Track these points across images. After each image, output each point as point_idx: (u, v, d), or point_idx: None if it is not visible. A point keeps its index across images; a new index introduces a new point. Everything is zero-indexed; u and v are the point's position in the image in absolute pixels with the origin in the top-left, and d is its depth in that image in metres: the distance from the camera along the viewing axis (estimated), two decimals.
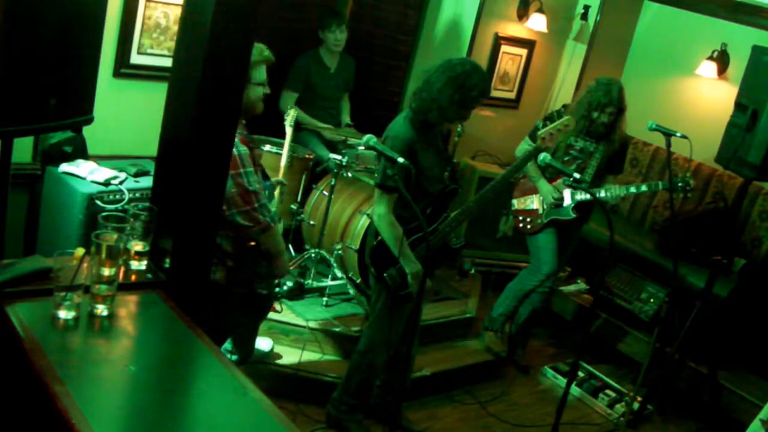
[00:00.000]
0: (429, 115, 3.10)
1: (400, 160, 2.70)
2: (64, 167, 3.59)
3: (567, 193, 4.11)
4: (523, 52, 5.67)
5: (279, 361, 3.76)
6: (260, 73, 2.79)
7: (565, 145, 4.05)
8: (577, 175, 3.00)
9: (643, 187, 4.03)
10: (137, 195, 3.59)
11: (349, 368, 3.49)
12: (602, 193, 3.99)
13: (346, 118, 5.10)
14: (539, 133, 3.57)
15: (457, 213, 3.27)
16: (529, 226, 4.23)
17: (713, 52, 5.16)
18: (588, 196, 3.99)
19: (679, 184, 3.87)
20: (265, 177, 3.12)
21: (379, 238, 3.18)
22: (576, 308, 4.94)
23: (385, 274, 3.20)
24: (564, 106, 4.30)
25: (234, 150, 2.53)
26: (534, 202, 4.22)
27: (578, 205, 4.09)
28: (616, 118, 3.98)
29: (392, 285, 3.20)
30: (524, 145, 4.13)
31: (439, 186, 3.23)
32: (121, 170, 3.67)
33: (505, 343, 4.48)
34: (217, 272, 2.80)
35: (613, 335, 4.81)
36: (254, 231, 2.76)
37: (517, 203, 4.31)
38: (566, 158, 4.08)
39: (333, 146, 4.74)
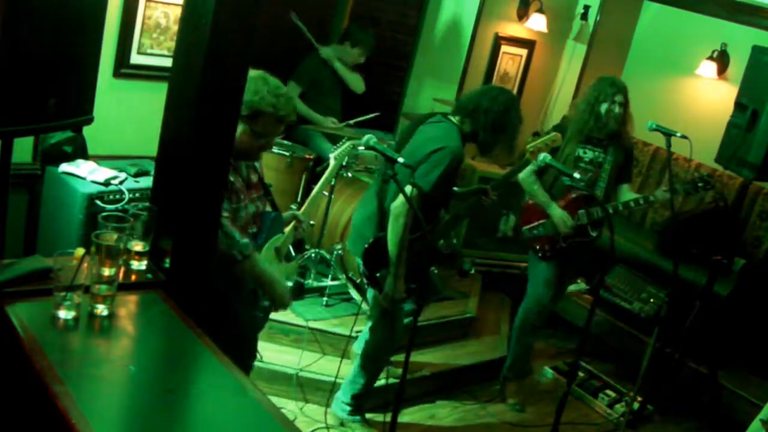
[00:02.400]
0: (493, 148, 3.23)
1: (401, 160, 2.70)
2: (64, 167, 3.59)
3: (581, 213, 3.85)
4: (523, 52, 5.67)
5: (279, 361, 3.76)
6: (265, 126, 2.49)
7: (574, 157, 3.80)
8: (577, 175, 2.99)
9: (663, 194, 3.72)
10: (137, 195, 3.59)
11: (354, 371, 3.49)
12: (620, 208, 3.79)
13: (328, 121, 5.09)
14: (528, 146, 3.51)
15: (449, 218, 3.33)
16: (549, 253, 3.92)
17: (713, 52, 5.16)
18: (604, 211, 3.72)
19: (699, 185, 3.68)
20: (274, 207, 2.80)
21: (372, 240, 3.18)
22: (578, 311, 4.94)
23: (377, 274, 3.21)
24: (564, 117, 4.20)
25: None
26: (545, 227, 3.91)
27: (594, 222, 3.84)
28: (626, 109, 3.76)
29: (383, 287, 3.20)
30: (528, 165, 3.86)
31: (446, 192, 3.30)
32: (121, 170, 3.68)
33: (522, 394, 4.21)
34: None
35: (613, 335, 4.81)
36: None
37: (527, 232, 4.00)
38: (576, 171, 3.77)
39: (334, 140, 4.76)
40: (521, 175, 3.84)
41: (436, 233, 3.30)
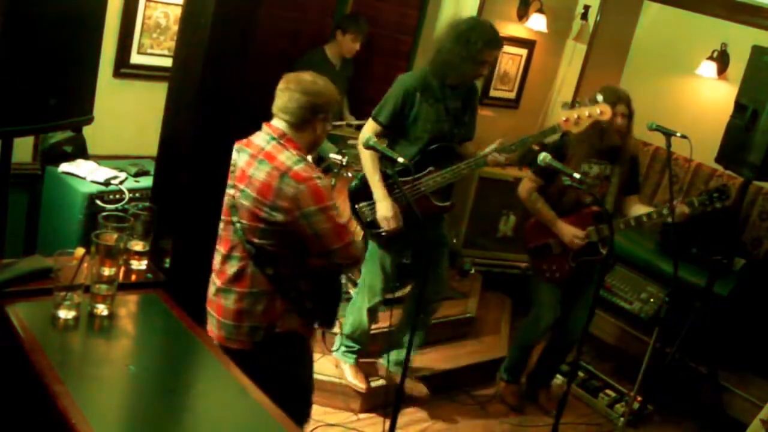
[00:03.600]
0: (446, 77, 3.24)
1: (400, 159, 2.70)
2: (64, 167, 3.59)
3: (590, 230, 3.67)
4: (523, 52, 5.67)
5: None
6: (331, 108, 2.54)
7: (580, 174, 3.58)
8: (577, 175, 2.95)
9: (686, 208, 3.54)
10: (137, 195, 3.59)
11: (346, 310, 3.62)
12: (632, 223, 3.62)
13: (350, 118, 5.10)
14: (563, 113, 3.28)
15: (445, 171, 3.32)
16: (557, 274, 3.76)
17: (713, 52, 5.15)
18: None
19: (715, 195, 3.54)
20: None
21: (360, 175, 3.36)
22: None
23: (356, 206, 3.35)
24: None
25: (318, 182, 2.35)
26: (552, 246, 3.73)
27: (604, 239, 3.64)
28: (630, 121, 3.56)
29: (363, 219, 3.38)
30: (528, 182, 3.70)
31: (434, 139, 3.30)
32: (121, 170, 3.68)
33: (519, 396, 4.13)
34: (290, 320, 2.51)
35: (613, 335, 4.81)
36: (349, 267, 2.55)
37: (533, 253, 3.81)
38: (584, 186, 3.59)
39: (334, 139, 4.75)
40: (522, 194, 3.70)
41: (432, 186, 3.32)
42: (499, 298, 5.12)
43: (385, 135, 3.30)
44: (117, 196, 3.54)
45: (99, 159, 3.75)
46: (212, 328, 2.50)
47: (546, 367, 4.19)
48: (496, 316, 4.89)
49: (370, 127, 3.28)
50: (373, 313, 3.58)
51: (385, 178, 3.18)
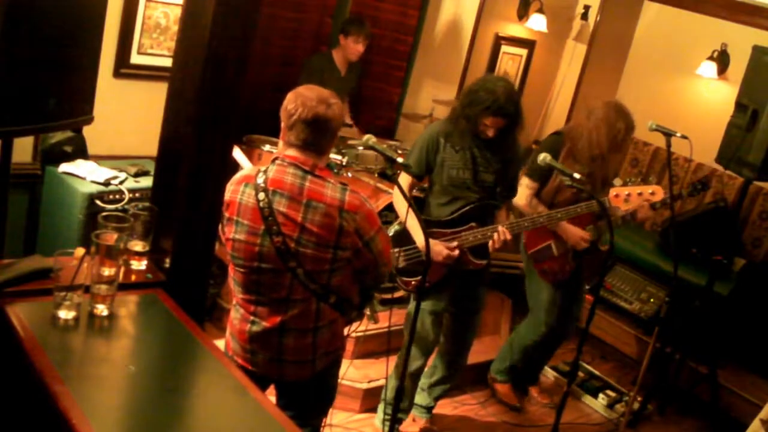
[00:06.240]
0: (456, 122, 3.18)
1: (399, 160, 2.71)
2: (64, 167, 3.60)
3: (589, 228, 3.68)
4: (523, 52, 5.68)
5: None
6: None
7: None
8: (576, 176, 2.97)
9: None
10: (137, 195, 3.60)
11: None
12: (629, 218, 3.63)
13: (347, 119, 5.10)
14: (614, 189, 3.34)
15: (487, 228, 3.21)
16: (560, 275, 3.75)
17: (713, 52, 5.16)
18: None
19: (698, 187, 3.74)
20: None
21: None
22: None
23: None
24: (557, 133, 3.76)
25: (366, 204, 2.33)
26: (553, 248, 3.72)
27: (602, 235, 3.66)
28: None
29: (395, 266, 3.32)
30: (525, 190, 3.61)
31: (464, 192, 3.22)
32: (121, 170, 3.68)
33: (518, 395, 4.17)
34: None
35: (613, 335, 4.81)
36: (385, 277, 2.54)
37: (535, 256, 3.78)
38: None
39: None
40: (521, 203, 3.63)
41: (471, 242, 3.23)
42: (499, 298, 5.12)
43: (419, 181, 3.30)
44: (117, 196, 3.54)
45: (99, 159, 3.75)
46: (258, 366, 2.37)
47: (536, 364, 4.21)
48: (495, 317, 4.89)
49: (403, 176, 3.22)
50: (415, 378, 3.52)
51: (386, 178, 3.15)
